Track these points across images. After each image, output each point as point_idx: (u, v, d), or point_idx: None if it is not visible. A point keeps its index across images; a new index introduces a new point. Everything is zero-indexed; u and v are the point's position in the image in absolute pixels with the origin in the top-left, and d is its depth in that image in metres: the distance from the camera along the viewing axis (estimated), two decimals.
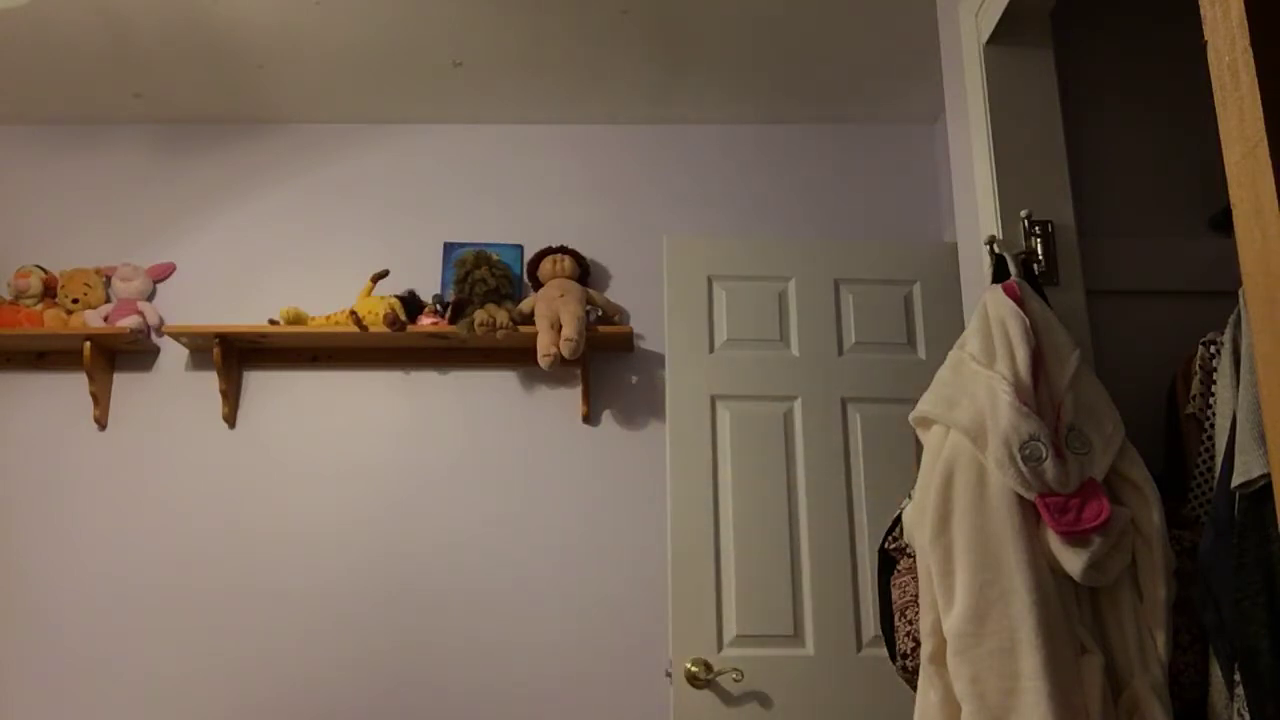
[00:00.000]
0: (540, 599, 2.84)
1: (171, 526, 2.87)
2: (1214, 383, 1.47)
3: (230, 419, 2.95)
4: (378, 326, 2.84)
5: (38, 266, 2.99)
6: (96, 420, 2.93)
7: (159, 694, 2.76)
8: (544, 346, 2.77)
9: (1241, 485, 1.24)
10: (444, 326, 2.85)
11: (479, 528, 2.89)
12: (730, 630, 2.50)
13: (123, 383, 2.98)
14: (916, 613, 1.62)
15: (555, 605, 2.84)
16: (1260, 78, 0.71)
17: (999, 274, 1.71)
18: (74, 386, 2.96)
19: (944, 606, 1.47)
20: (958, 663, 1.43)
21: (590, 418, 2.97)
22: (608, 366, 3.02)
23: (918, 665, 1.58)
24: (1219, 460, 1.37)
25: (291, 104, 3.08)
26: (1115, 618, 1.44)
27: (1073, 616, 1.43)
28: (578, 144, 3.20)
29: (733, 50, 2.81)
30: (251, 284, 3.06)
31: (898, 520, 1.74)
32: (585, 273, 3.01)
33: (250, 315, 3.02)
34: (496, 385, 3.00)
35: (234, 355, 2.96)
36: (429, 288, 3.03)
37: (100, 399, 2.92)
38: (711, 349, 2.69)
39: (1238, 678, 1.25)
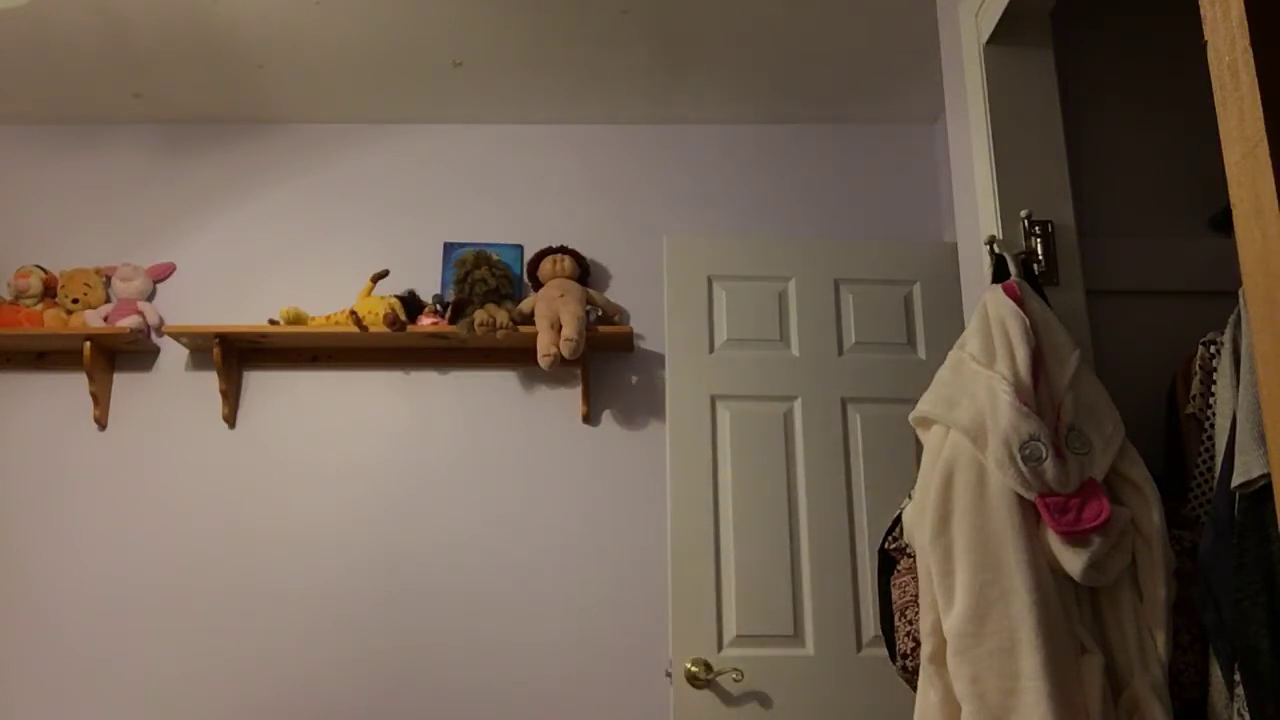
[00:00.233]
0: (540, 599, 2.84)
1: (171, 526, 2.87)
2: (1214, 383, 1.47)
3: (230, 419, 2.95)
4: (378, 326, 2.84)
5: (38, 266, 2.99)
6: (96, 420, 2.93)
7: (159, 694, 2.76)
8: (544, 346, 2.77)
9: (1241, 485, 1.24)
10: (444, 326, 2.85)
11: (479, 528, 2.89)
12: (730, 630, 2.50)
13: (123, 383, 2.98)
14: (916, 613, 1.62)
15: (555, 605, 2.84)
16: (1260, 78, 0.71)
17: (999, 274, 1.71)
18: (74, 386, 2.96)
19: (944, 606, 1.47)
20: (958, 663, 1.43)
21: (590, 418, 2.97)
22: (608, 366, 3.02)
23: (918, 665, 1.58)
24: (1219, 460, 1.37)
25: (291, 104, 3.08)
26: (1115, 618, 1.44)
27: (1073, 616, 1.43)
28: (578, 144, 3.20)
29: (733, 50, 2.81)
30: (251, 284, 3.06)
31: (898, 520, 1.74)
32: (585, 273, 3.01)
33: (250, 315, 3.02)
34: (496, 385, 3.00)
35: (234, 355, 2.96)
36: (429, 288, 3.03)
37: (100, 399, 2.92)
38: (711, 349, 2.69)
39: (1238, 678, 1.25)
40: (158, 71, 2.89)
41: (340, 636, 2.81)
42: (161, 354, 3.02)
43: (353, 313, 2.87)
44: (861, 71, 2.93)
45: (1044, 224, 1.82)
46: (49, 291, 2.97)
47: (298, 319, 2.89)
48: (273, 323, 2.89)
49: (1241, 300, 1.33)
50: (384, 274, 2.98)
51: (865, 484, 2.61)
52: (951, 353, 1.64)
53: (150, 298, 3.04)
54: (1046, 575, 1.43)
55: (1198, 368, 1.53)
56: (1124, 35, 2.00)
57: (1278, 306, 0.71)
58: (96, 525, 2.87)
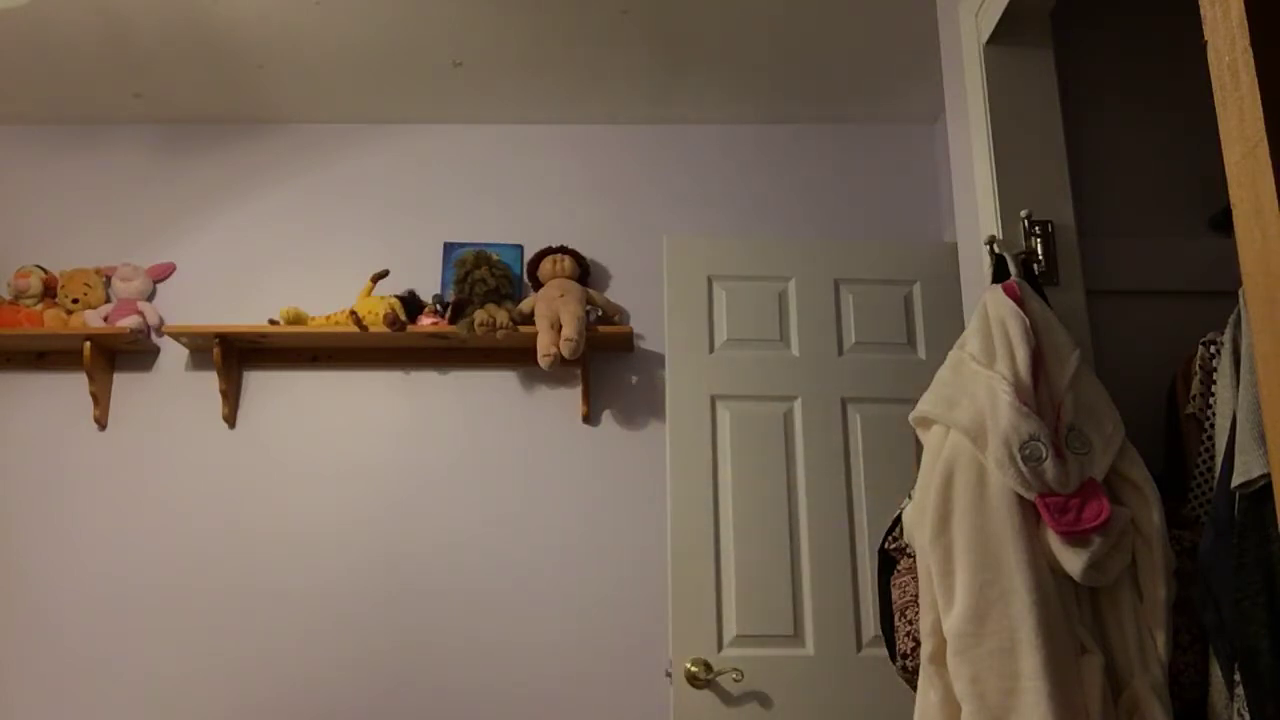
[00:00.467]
0: (540, 599, 2.84)
1: (171, 526, 2.87)
2: (1214, 383, 1.47)
3: (230, 419, 2.95)
4: (378, 326, 2.84)
5: (38, 266, 2.99)
6: (96, 420, 2.93)
7: (159, 694, 2.76)
8: (544, 346, 2.77)
9: (1241, 485, 1.24)
10: (444, 326, 2.85)
11: (479, 528, 2.89)
12: (730, 630, 2.50)
13: (123, 383, 2.98)
14: (916, 613, 1.62)
15: (555, 605, 2.84)
16: (1260, 78, 0.71)
17: (999, 274, 1.71)
18: (74, 386, 2.96)
19: (944, 606, 1.47)
20: (958, 663, 1.43)
21: (590, 418, 2.97)
22: (608, 366, 3.02)
23: (918, 665, 1.58)
24: (1219, 460, 1.37)
25: (291, 104, 3.08)
26: (1115, 618, 1.44)
27: (1073, 616, 1.43)
28: (578, 144, 3.20)
29: (733, 50, 2.81)
30: (251, 284, 3.06)
31: (898, 520, 1.74)
32: (585, 273, 3.01)
33: (250, 315, 3.02)
34: (496, 385, 3.00)
35: (234, 355, 2.96)
36: (429, 288, 3.03)
37: (100, 399, 2.92)
38: (711, 349, 2.69)
39: (1238, 678, 1.25)
40: (158, 71, 2.89)
41: (340, 636, 2.81)
42: (161, 354, 3.02)
43: (353, 313, 2.87)
44: (861, 71, 2.93)
45: (1044, 224, 1.82)
46: (49, 291, 2.97)
47: (298, 319, 2.89)
48: (273, 323, 2.89)
49: (1241, 300, 1.33)
50: (384, 274, 2.98)
51: (865, 484, 2.61)
52: (951, 353, 1.64)
53: (150, 298, 3.04)
54: (1046, 575, 1.43)
55: (1198, 368, 1.53)
56: (1124, 35, 2.00)
57: (1278, 306, 0.71)
58: (96, 525, 2.87)
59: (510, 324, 2.84)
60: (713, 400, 2.65)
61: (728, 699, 2.45)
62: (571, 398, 2.99)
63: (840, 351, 2.70)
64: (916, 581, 1.63)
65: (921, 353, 2.71)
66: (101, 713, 2.74)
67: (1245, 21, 0.73)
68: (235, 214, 3.12)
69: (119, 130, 3.18)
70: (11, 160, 3.15)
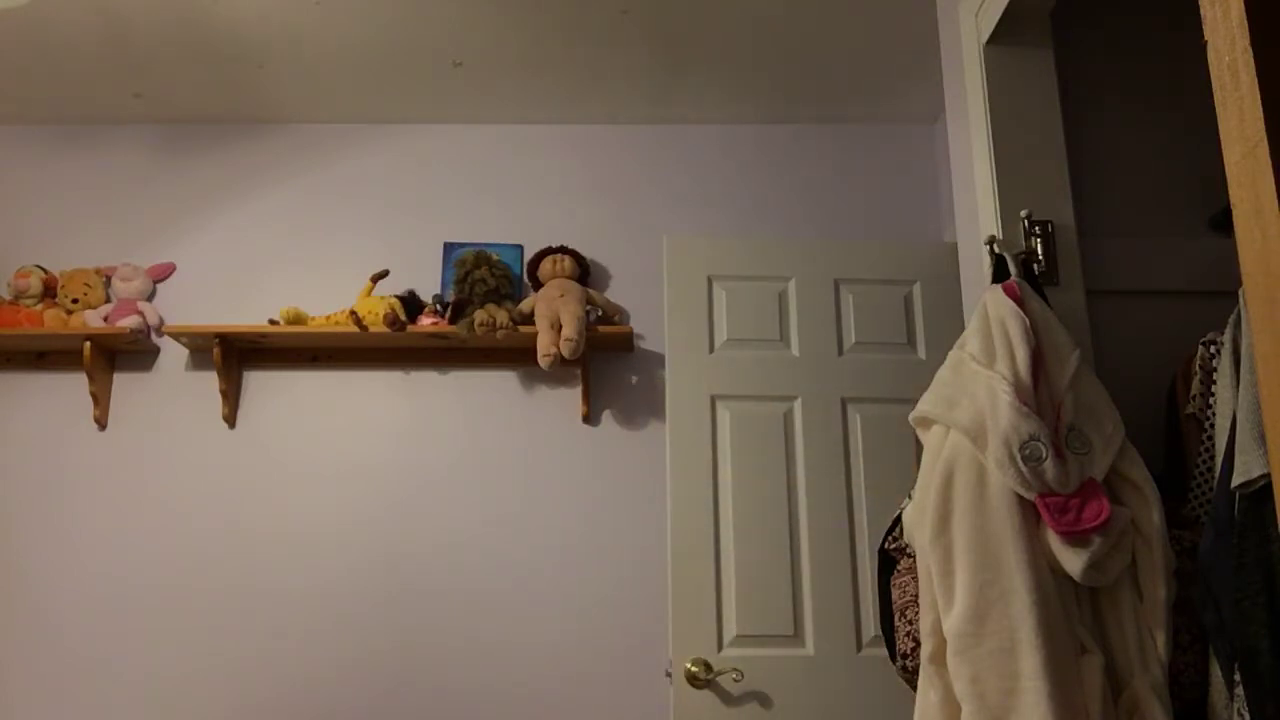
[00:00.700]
0: (540, 599, 2.84)
1: (171, 526, 2.87)
2: (1214, 383, 1.47)
3: (230, 419, 2.95)
4: (378, 326, 2.84)
5: (38, 266, 2.99)
6: (96, 420, 2.93)
7: (159, 694, 2.76)
8: (544, 346, 2.77)
9: (1241, 485, 1.24)
10: (444, 326, 2.85)
11: (479, 528, 2.89)
12: (730, 630, 2.50)
13: (123, 383, 2.98)
14: (916, 613, 1.62)
15: (555, 605, 2.84)
16: (1260, 78, 0.71)
17: (999, 274, 1.71)
18: (74, 386, 2.96)
19: (944, 606, 1.47)
20: (958, 663, 1.43)
21: (590, 418, 2.97)
22: (608, 366, 3.02)
23: (918, 665, 1.58)
24: (1219, 460, 1.37)
25: (291, 104, 3.08)
26: (1115, 618, 1.44)
27: (1073, 616, 1.43)
28: (578, 144, 3.20)
29: (733, 50, 2.81)
30: (251, 284, 3.06)
31: (898, 520, 1.74)
32: (585, 273, 3.01)
33: (250, 315, 3.02)
34: (496, 385, 3.00)
35: (234, 355, 2.96)
36: (429, 288, 3.03)
37: (100, 399, 2.92)
38: (711, 349, 2.69)
39: (1238, 678, 1.25)
40: (158, 71, 2.89)
41: (340, 636, 2.81)
42: (161, 354, 3.02)
43: (353, 313, 2.87)
44: (861, 71, 2.93)
45: (1044, 224, 1.82)
46: (49, 291, 2.97)
47: (298, 319, 2.89)
48: (273, 323, 2.89)
49: (1241, 300, 1.33)
50: (384, 274, 2.98)
51: (865, 484, 2.61)
52: (951, 353, 1.64)
53: (150, 298, 3.04)
54: (1046, 575, 1.43)
55: (1198, 368, 1.53)
56: (1124, 35, 2.00)
57: (1278, 306, 0.71)
58: (96, 525, 2.87)
59: (510, 324, 2.84)
60: (713, 400, 2.65)
61: (728, 699, 2.45)
62: (571, 398, 2.99)
63: (840, 351, 2.70)
64: (916, 581, 1.63)
65: (921, 353, 2.71)
66: (101, 713, 2.74)
67: (1245, 21, 0.73)
68: (235, 214, 3.12)
69: (119, 130, 3.18)
70: (11, 160, 3.15)
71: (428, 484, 2.92)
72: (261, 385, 2.99)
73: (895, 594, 1.72)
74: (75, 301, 2.95)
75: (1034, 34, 1.92)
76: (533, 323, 2.85)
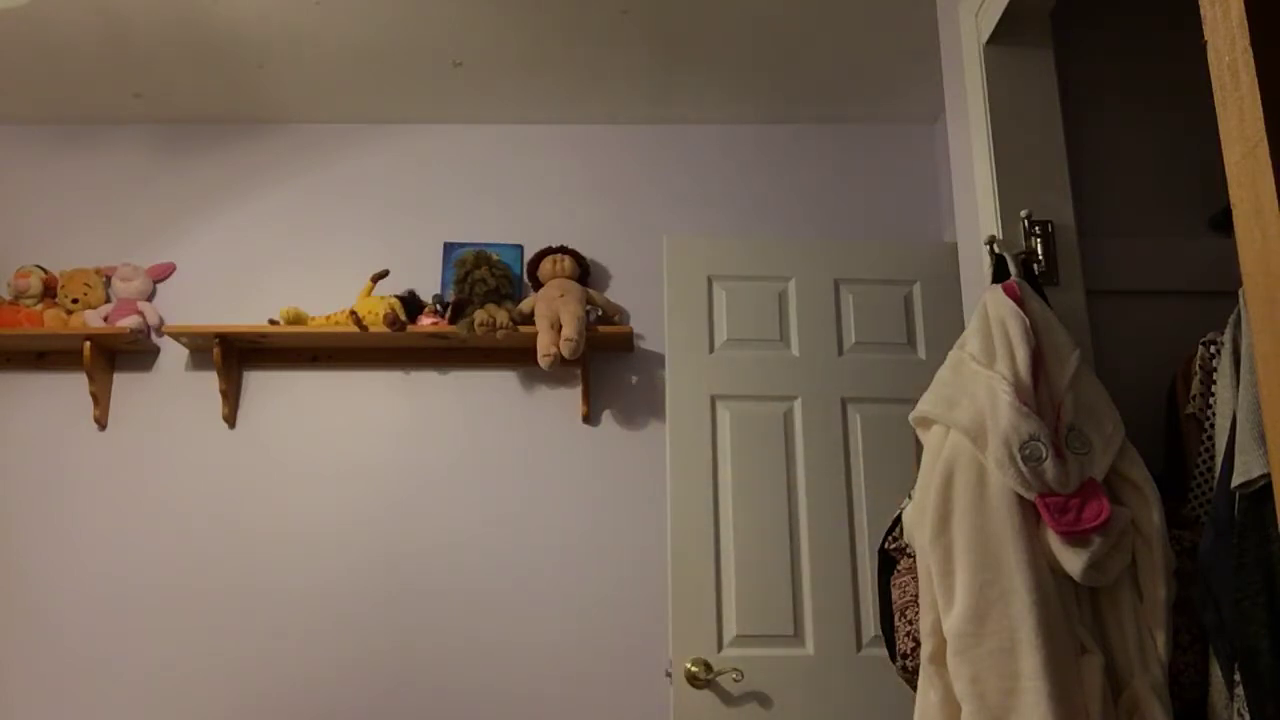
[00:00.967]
0: (540, 599, 2.84)
1: (171, 526, 2.87)
2: (1214, 383, 1.47)
3: (230, 419, 2.95)
4: (378, 326, 2.84)
5: (38, 266, 2.99)
6: (96, 420, 2.93)
7: (159, 694, 2.76)
8: (544, 346, 2.77)
9: (1241, 485, 1.24)
10: (444, 326, 2.85)
11: (479, 528, 2.89)
12: (730, 630, 2.50)
13: (123, 383, 2.98)
14: (916, 613, 1.62)
15: (555, 605, 2.84)
16: (1260, 78, 0.71)
17: (999, 274, 1.71)
18: (74, 386, 2.96)
19: (944, 606, 1.47)
20: (958, 663, 1.43)
21: (590, 418, 2.97)
22: (608, 366, 3.02)
23: (918, 665, 1.58)
24: (1219, 460, 1.37)
25: (291, 104, 3.08)
26: (1115, 618, 1.44)
27: (1073, 616, 1.43)
28: (578, 144, 3.20)
29: (733, 50, 2.81)
30: (251, 284, 3.06)
31: (898, 520, 1.74)
32: (585, 273, 3.01)
33: (250, 315, 3.02)
34: (496, 385, 3.00)
35: (234, 355, 2.96)
36: (429, 288, 3.03)
37: (100, 399, 2.92)
38: (711, 349, 2.69)
39: (1238, 678, 1.25)
40: (158, 71, 2.89)
41: (340, 636, 2.81)
42: (161, 354, 3.02)
43: (353, 313, 2.87)
44: (861, 71, 2.93)
45: (1044, 224, 1.82)
46: (49, 291, 2.97)
47: (298, 319, 2.89)
48: (273, 323, 2.89)
49: (1241, 300, 1.33)
50: (384, 274, 2.98)
51: (865, 484, 2.61)
52: (951, 353, 1.64)
53: (150, 298, 3.04)
54: (1046, 575, 1.43)
55: (1198, 368, 1.53)
56: (1124, 35, 2.00)
57: (1278, 306, 0.71)
58: (96, 525, 2.87)
59: (510, 324, 2.84)
60: (713, 400, 2.65)
61: (728, 699, 2.45)
62: (571, 398, 2.99)
63: (840, 351, 2.70)
64: (916, 581, 1.63)
65: (921, 353, 2.71)
66: (101, 713, 2.74)
67: (1245, 21, 0.73)
68: (235, 214, 3.12)
69: (119, 130, 3.18)
70: (11, 160, 3.15)
71: (428, 484, 2.92)
72: (261, 385, 2.99)
73: (895, 594, 1.72)
74: (75, 301, 2.95)
75: (1034, 34, 1.92)
76: (533, 323, 2.85)
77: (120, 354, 3.00)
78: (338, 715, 2.75)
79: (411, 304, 2.91)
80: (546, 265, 2.96)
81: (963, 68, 2.03)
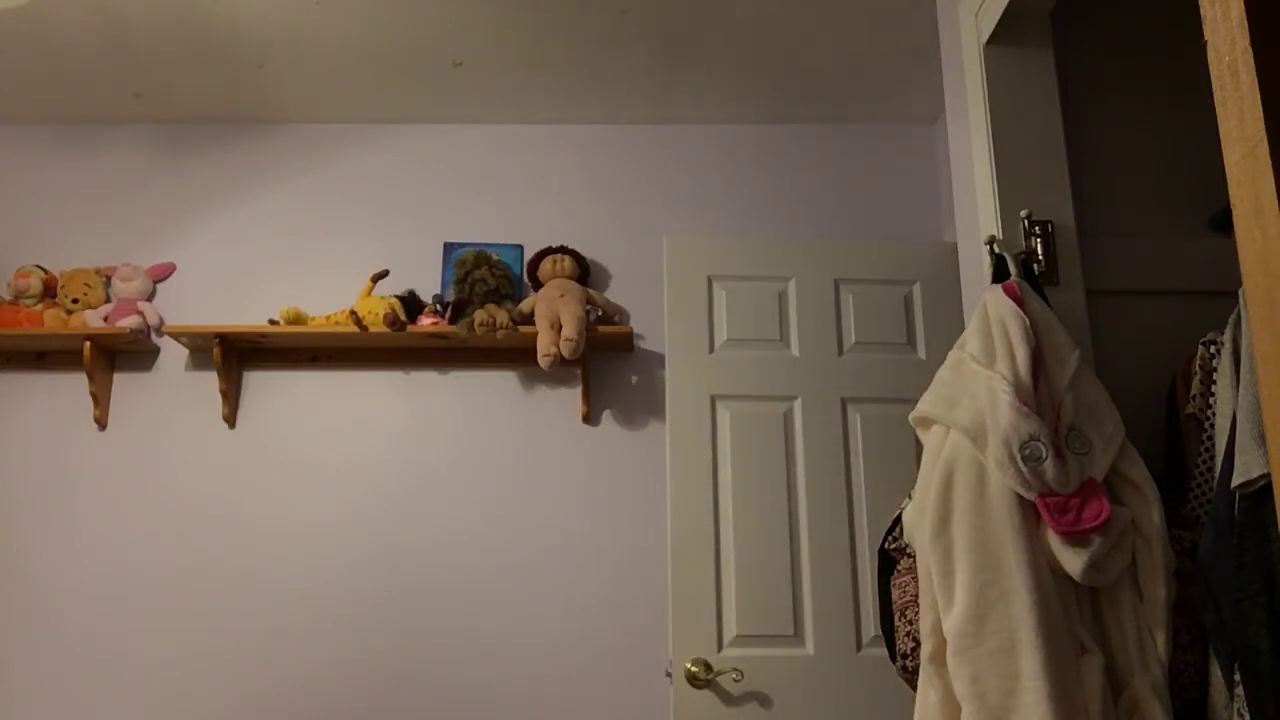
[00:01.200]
0: (540, 599, 2.84)
1: (171, 526, 2.87)
2: (1214, 383, 1.47)
3: (230, 419, 2.95)
4: (378, 326, 2.84)
5: (38, 266, 2.99)
6: (96, 420, 2.93)
7: (159, 694, 2.76)
8: (544, 346, 2.77)
9: (1241, 485, 1.24)
10: (444, 326, 2.85)
11: (479, 528, 2.89)
12: (730, 630, 2.50)
13: (123, 383, 2.98)
14: (916, 613, 1.62)
15: (555, 605, 2.84)
16: (1260, 78, 0.71)
17: (999, 274, 1.71)
18: (74, 386, 2.96)
19: (944, 606, 1.47)
20: (958, 663, 1.43)
21: (590, 418, 2.97)
22: (608, 366, 3.02)
23: (918, 665, 1.58)
24: (1219, 460, 1.37)
25: (291, 104, 3.08)
26: (1115, 618, 1.44)
27: (1073, 616, 1.43)
28: (578, 144, 3.20)
29: (733, 50, 2.81)
30: (251, 284, 3.06)
31: (898, 520, 1.74)
32: (585, 273, 3.01)
33: (250, 315, 3.02)
34: (496, 385, 3.00)
35: (234, 355, 2.96)
36: (429, 288, 3.03)
37: (100, 399, 2.92)
38: (711, 349, 2.69)
39: (1238, 678, 1.25)
40: (158, 71, 2.89)
41: (340, 636, 2.81)
42: (161, 354, 3.02)
43: (353, 313, 2.87)
44: (861, 71, 2.93)
45: (1044, 224, 1.82)
46: (49, 291, 2.97)
47: (298, 319, 2.89)
48: (273, 323, 2.89)
49: (1241, 300, 1.33)
50: (384, 274, 2.98)
51: (865, 484, 2.61)
52: (951, 353, 1.64)
53: (150, 298, 3.04)
54: (1046, 575, 1.43)
55: (1198, 368, 1.53)
56: (1124, 35, 2.00)
57: (1278, 306, 0.71)
58: (96, 525, 2.87)
59: (510, 324, 2.84)
60: (713, 400, 2.65)
61: (728, 699, 2.45)
62: (571, 398, 2.99)
63: (840, 351, 2.70)
64: (916, 581, 1.63)
65: (921, 353, 2.71)
66: (101, 713, 2.74)
67: (1245, 21, 0.73)
68: (235, 214, 3.12)
69: (119, 130, 3.18)
70: (11, 160, 3.15)
71: (428, 484, 2.92)
72: (261, 385, 2.99)
73: (895, 594, 1.72)
74: (75, 301, 2.95)
75: (1034, 34, 1.92)
76: (533, 323, 2.85)
77: (120, 354, 3.00)
78: (338, 715, 2.75)
79: (411, 304, 2.91)
80: (546, 265, 2.96)
81: (963, 68, 2.03)
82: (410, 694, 2.77)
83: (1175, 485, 1.57)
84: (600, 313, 2.91)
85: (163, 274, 3.06)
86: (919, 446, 1.66)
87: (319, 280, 3.07)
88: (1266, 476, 1.19)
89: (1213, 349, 1.50)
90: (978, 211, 1.93)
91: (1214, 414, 1.46)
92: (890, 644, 1.72)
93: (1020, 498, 1.45)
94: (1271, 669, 1.17)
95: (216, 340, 2.86)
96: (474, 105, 3.10)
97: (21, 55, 2.79)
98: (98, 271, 3.01)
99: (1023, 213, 1.82)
